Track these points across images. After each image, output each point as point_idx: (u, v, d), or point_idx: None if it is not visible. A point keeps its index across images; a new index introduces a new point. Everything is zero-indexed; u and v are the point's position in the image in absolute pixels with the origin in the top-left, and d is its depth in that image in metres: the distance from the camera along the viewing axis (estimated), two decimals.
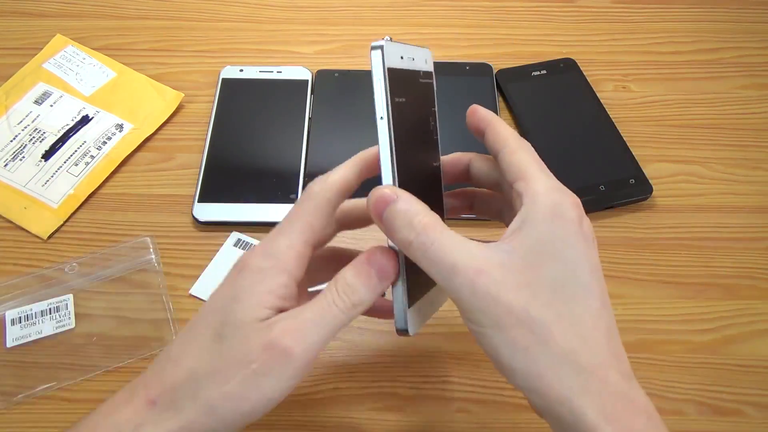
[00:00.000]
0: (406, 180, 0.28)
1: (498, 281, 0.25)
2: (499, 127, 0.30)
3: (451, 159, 0.34)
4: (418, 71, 0.29)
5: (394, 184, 0.28)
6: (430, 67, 0.31)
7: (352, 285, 0.28)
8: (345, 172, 0.30)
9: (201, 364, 0.27)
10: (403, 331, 0.29)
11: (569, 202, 0.27)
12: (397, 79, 0.27)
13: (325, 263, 0.33)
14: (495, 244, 0.26)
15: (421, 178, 0.30)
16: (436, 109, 0.31)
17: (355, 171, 0.30)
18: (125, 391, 0.28)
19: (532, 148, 0.29)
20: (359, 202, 0.32)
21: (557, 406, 0.24)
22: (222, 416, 0.26)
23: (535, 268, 0.25)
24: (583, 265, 0.27)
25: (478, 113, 0.31)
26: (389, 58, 0.26)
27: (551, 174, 0.28)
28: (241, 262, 0.29)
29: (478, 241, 0.27)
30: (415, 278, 0.29)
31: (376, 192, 0.28)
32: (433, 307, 0.31)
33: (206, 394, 0.26)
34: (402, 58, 0.28)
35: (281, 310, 0.27)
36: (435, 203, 0.30)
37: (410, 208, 0.27)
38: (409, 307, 0.29)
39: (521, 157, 0.28)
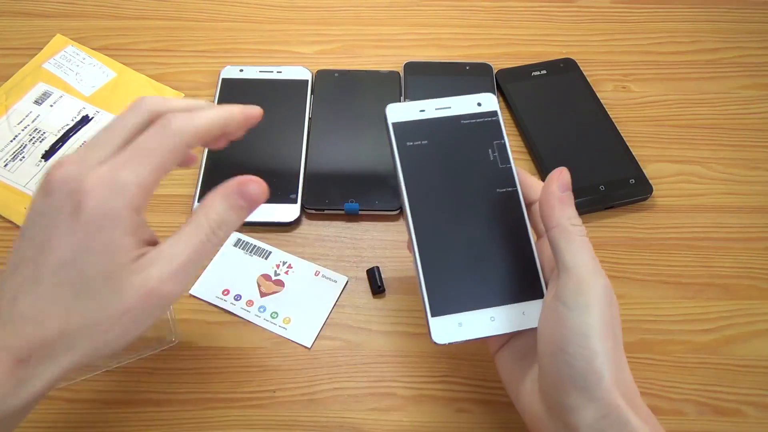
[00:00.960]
0: (425, 202, 0.33)
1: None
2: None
3: (524, 186, 0.35)
4: (458, 116, 0.35)
5: (404, 206, 0.33)
6: (487, 108, 0.36)
7: (227, 220, 0.28)
8: (212, 121, 0.29)
9: (72, 322, 0.26)
10: (431, 339, 0.32)
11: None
12: (415, 127, 0.34)
13: None
14: None
15: (477, 204, 0.34)
16: (505, 141, 0.35)
17: (221, 124, 0.29)
18: None
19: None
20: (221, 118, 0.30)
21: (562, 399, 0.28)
22: (104, 352, 0.27)
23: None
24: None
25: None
26: (393, 116, 0.34)
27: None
28: (72, 191, 0.25)
29: None
30: (448, 293, 0.32)
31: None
32: (476, 330, 0.32)
33: (85, 344, 0.26)
34: (423, 111, 0.35)
35: (141, 245, 0.27)
36: (506, 222, 0.34)
37: None
38: (432, 317, 0.32)
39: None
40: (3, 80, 0.55)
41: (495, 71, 0.57)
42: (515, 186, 0.34)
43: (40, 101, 0.53)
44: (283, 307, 0.44)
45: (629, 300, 0.45)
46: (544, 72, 0.57)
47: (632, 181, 0.50)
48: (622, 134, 0.52)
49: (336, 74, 0.56)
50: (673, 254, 0.47)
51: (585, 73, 0.57)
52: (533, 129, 0.53)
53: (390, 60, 0.58)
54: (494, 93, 0.55)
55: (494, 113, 0.35)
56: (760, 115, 0.56)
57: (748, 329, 0.44)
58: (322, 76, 0.56)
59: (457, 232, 0.33)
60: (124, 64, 0.57)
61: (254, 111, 0.31)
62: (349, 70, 0.56)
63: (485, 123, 0.35)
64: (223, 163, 0.50)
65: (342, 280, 0.45)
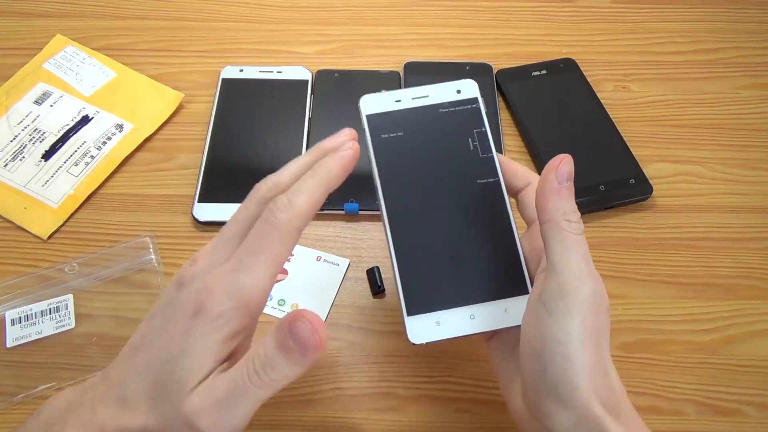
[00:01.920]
0: (401, 198, 0.32)
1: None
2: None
3: (508, 174, 0.34)
4: (436, 104, 0.33)
5: (380, 202, 0.32)
6: (467, 95, 0.34)
7: (271, 360, 0.25)
8: (313, 196, 0.27)
9: (150, 420, 0.25)
10: (407, 338, 0.30)
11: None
12: (390, 118, 0.33)
13: None
14: None
15: (456, 197, 0.32)
16: (486, 129, 0.33)
17: (323, 193, 0.28)
18: (65, 416, 0.26)
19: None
20: None
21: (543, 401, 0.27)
22: None
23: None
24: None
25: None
26: (368, 107, 0.33)
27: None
28: (197, 300, 0.25)
29: None
30: (425, 291, 0.31)
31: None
32: (455, 329, 0.31)
33: None
34: (399, 101, 0.33)
35: (230, 356, 0.26)
36: (487, 215, 0.32)
37: None
38: (408, 316, 0.30)
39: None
40: (3, 80, 0.55)
41: (495, 71, 0.57)
42: (497, 176, 0.33)
43: (40, 101, 0.53)
44: (290, 293, 0.44)
45: (629, 300, 0.45)
46: (544, 72, 0.57)
47: (632, 181, 0.50)
48: (622, 134, 0.52)
49: (336, 74, 0.56)
50: (673, 254, 0.47)
51: (585, 73, 0.57)
52: (533, 129, 0.53)
53: (390, 60, 0.58)
54: (494, 93, 0.55)
55: (474, 100, 0.34)
56: (760, 115, 0.56)
57: (748, 329, 0.44)
58: (322, 76, 0.56)
59: (435, 227, 0.32)
60: (124, 64, 0.57)
61: (350, 154, 0.29)
62: (349, 70, 0.56)
63: (465, 111, 0.34)
64: (223, 164, 0.50)
65: (344, 263, 0.46)
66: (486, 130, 0.33)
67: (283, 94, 0.54)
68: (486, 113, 0.34)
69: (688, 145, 0.53)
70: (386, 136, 0.33)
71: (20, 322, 0.42)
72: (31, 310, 0.42)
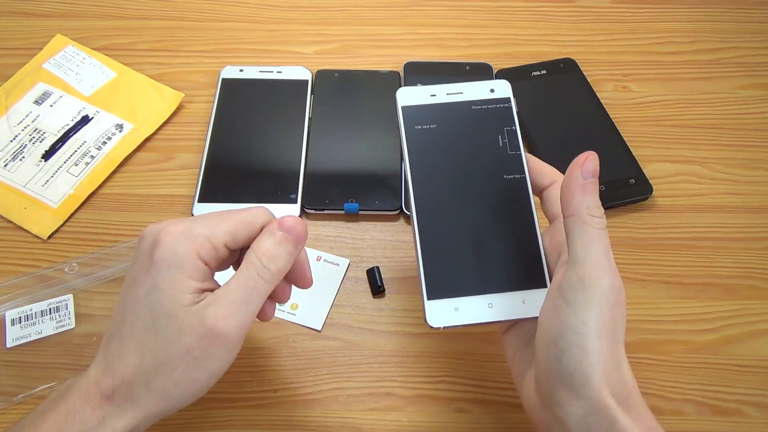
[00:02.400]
0: (430, 186, 0.33)
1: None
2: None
3: (535, 172, 0.34)
4: (469, 101, 0.35)
5: (408, 188, 0.33)
6: (500, 95, 0.35)
7: (275, 253, 0.30)
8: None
9: (145, 359, 0.28)
10: (426, 322, 0.31)
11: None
12: (425, 111, 0.34)
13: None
14: None
15: (482, 190, 0.34)
16: (516, 128, 0.35)
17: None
18: (64, 394, 0.29)
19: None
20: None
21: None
22: (176, 398, 0.29)
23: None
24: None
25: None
26: (404, 99, 0.34)
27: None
28: (153, 237, 0.29)
29: None
30: (446, 277, 0.32)
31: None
32: (472, 315, 0.32)
33: (157, 383, 0.28)
34: (434, 95, 0.35)
35: (203, 291, 0.29)
36: (511, 209, 0.33)
37: None
38: (428, 300, 0.31)
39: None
40: (3, 80, 0.55)
41: (495, 71, 0.57)
42: (524, 173, 0.34)
43: (40, 101, 0.53)
44: None
45: (629, 300, 0.44)
46: (544, 72, 0.57)
47: (632, 181, 0.50)
48: (622, 134, 0.52)
49: (336, 74, 0.56)
50: (673, 254, 0.47)
51: (585, 73, 0.57)
52: (533, 129, 0.53)
53: (390, 60, 0.58)
54: None
55: (507, 100, 0.35)
56: (760, 115, 0.56)
57: (748, 329, 0.44)
58: (322, 76, 0.56)
59: (460, 217, 0.33)
60: (124, 64, 0.57)
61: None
62: (349, 70, 0.56)
63: (497, 109, 0.35)
64: (223, 164, 0.50)
65: (344, 263, 0.46)
66: (516, 129, 0.34)
67: (283, 94, 0.54)
68: (518, 113, 0.35)
69: (688, 145, 0.53)
70: (419, 127, 0.34)
71: (20, 322, 0.42)
72: (31, 310, 0.42)
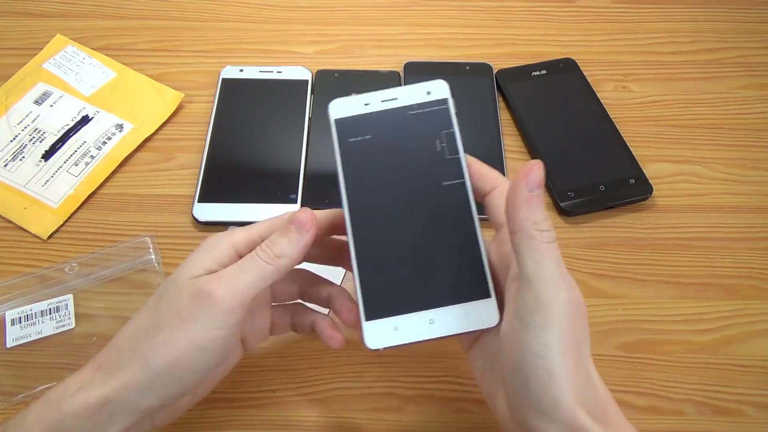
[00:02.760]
0: (365, 201, 0.32)
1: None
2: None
3: (476, 177, 0.33)
4: (405, 107, 0.33)
5: (343, 206, 0.32)
6: (436, 96, 0.33)
7: (274, 239, 0.31)
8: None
9: (141, 325, 0.30)
10: (364, 343, 0.30)
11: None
12: (358, 122, 0.33)
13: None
14: None
15: (420, 200, 0.32)
16: (455, 130, 0.32)
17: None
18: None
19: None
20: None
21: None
22: (156, 369, 0.28)
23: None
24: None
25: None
26: (337, 111, 0.33)
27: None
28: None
29: None
30: (384, 295, 0.30)
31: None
32: (413, 334, 0.30)
33: (141, 348, 0.29)
34: (367, 104, 0.33)
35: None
36: (452, 217, 0.31)
37: None
38: (366, 321, 0.30)
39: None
40: (3, 80, 0.55)
41: (495, 71, 0.57)
42: (463, 178, 0.32)
43: (40, 101, 0.53)
44: None
45: (629, 300, 0.45)
46: (544, 72, 0.57)
47: (632, 181, 0.50)
48: (622, 134, 0.52)
49: (336, 74, 0.56)
50: (673, 254, 0.47)
51: (585, 73, 0.57)
52: (533, 129, 0.53)
53: (390, 60, 0.58)
54: (494, 93, 0.55)
55: (444, 101, 0.33)
56: (760, 115, 0.56)
57: (748, 329, 0.44)
58: (322, 76, 0.56)
59: (398, 230, 0.31)
60: (124, 64, 0.57)
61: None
62: (349, 70, 0.56)
63: (434, 112, 0.33)
64: (223, 164, 0.50)
65: None
66: (454, 131, 0.32)
67: (283, 94, 0.54)
68: (456, 114, 0.33)
69: (688, 145, 0.53)
70: (353, 139, 0.33)
71: (20, 322, 0.42)
72: (31, 310, 0.42)
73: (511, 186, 0.28)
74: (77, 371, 0.30)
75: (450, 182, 0.32)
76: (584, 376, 0.27)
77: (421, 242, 0.31)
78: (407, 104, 0.33)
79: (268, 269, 0.30)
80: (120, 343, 0.30)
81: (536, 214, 0.27)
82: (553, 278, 0.26)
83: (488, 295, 0.30)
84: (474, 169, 0.32)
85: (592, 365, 0.27)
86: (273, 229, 0.32)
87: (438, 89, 0.33)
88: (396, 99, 0.33)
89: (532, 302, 0.26)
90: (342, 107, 0.33)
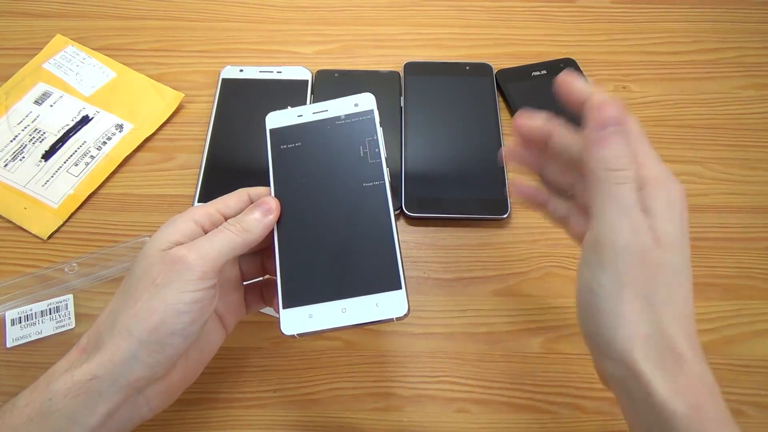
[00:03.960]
0: (290, 200, 0.35)
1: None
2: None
3: (526, 122, 0.33)
4: (333, 117, 0.36)
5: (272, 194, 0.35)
6: (363, 108, 0.37)
7: (241, 217, 0.33)
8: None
9: (117, 302, 0.31)
10: (280, 330, 0.32)
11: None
12: (290, 131, 0.36)
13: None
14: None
15: (341, 199, 0.35)
16: (378, 137, 0.35)
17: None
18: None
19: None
20: None
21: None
22: (138, 337, 0.29)
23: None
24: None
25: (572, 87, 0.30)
26: (272, 122, 0.37)
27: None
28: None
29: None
30: (301, 286, 0.33)
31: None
32: (326, 321, 0.32)
33: (121, 321, 0.29)
34: (300, 116, 0.37)
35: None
36: (370, 215, 0.34)
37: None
38: (283, 308, 0.32)
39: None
40: (3, 80, 0.55)
41: (495, 71, 0.57)
42: (383, 180, 0.34)
43: (40, 101, 0.53)
44: None
45: None
46: (544, 72, 0.57)
47: None
48: None
49: (336, 74, 0.56)
50: None
51: (585, 73, 0.57)
52: None
53: (390, 60, 0.58)
54: (494, 93, 0.55)
55: (369, 112, 0.36)
56: (760, 115, 0.56)
57: (748, 329, 0.44)
58: (322, 76, 0.56)
59: (319, 227, 0.34)
60: (124, 64, 0.57)
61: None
62: (349, 70, 0.56)
63: (359, 122, 0.36)
64: (223, 164, 0.50)
65: None
66: (377, 138, 0.35)
67: (283, 94, 0.54)
68: (380, 123, 0.36)
69: (687, 145, 0.53)
70: (285, 146, 0.36)
71: (20, 322, 0.42)
72: (31, 310, 0.43)
73: (584, 133, 0.28)
74: (64, 356, 0.30)
75: (370, 183, 0.34)
76: (647, 320, 0.26)
77: (339, 238, 0.34)
78: (336, 115, 0.36)
79: (236, 239, 0.32)
80: (100, 322, 0.31)
81: (606, 154, 0.27)
82: (613, 222, 0.27)
83: (399, 287, 0.32)
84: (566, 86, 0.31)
85: (672, 314, 0.26)
86: (227, 202, 0.34)
87: (365, 101, 0.37)
88: (326, 111, 0.37)
89: (593, 241, 0.27)
90: (277, 119, 0.37)
